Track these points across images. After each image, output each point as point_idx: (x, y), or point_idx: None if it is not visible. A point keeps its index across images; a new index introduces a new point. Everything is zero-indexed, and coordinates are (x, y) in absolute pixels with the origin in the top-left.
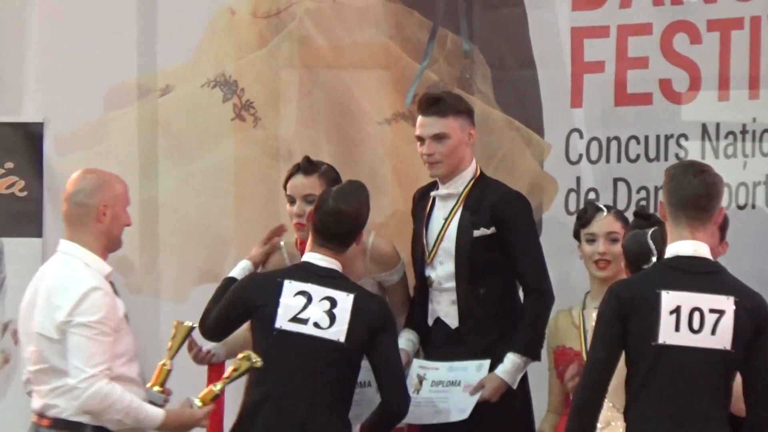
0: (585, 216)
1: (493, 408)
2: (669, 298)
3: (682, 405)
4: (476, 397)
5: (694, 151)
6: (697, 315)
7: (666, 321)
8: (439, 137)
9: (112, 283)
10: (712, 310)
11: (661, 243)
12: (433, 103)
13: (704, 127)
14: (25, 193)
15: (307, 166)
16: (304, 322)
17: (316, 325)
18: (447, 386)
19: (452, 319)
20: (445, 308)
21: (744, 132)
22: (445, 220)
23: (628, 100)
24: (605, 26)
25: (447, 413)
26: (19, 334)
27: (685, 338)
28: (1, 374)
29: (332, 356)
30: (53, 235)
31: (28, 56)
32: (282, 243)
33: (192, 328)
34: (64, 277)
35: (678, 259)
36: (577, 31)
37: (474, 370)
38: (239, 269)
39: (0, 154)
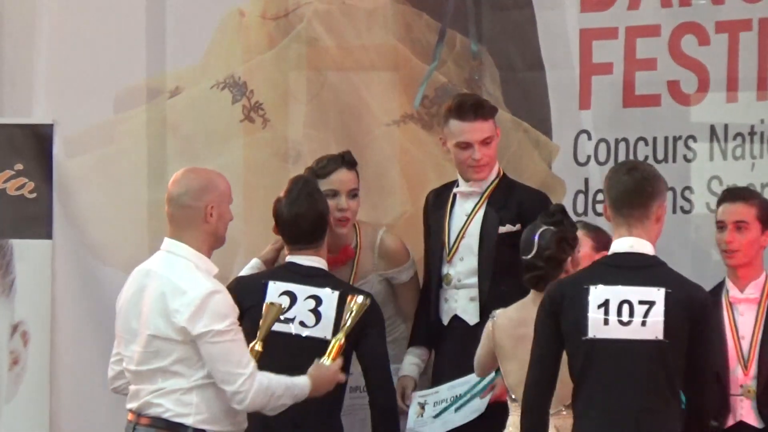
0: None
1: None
2: (597, 293)
3: (617, 398)
4: (487, 399)
5: (702, 152)
6: (626, 307)
7: (594, 316)
8: (486, 141)
9: None
10: (641, 302)
11: (548, 243)
12: (478, 108)
13: (712, 128)
14: (34, 195)
15: (351, 160)
16: (290, 321)
17: (301, 323)
18: (451, 401)
19: (471, 316)
20: (463, 305)
21: (752, 133)
22: (467, 216)
23: (637, 101)
24: (614, 28)
25: (458, 418)
26: (117, 331)
27: (614, 331)
28: (11, 375)
29: (321, 354)
30: (63, 237)
31: (38, 58)
32: None
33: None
34: (180, 279)
35: (614, 256)
36: (585, 33)
37: (477, 380)
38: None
39: (10, 156)
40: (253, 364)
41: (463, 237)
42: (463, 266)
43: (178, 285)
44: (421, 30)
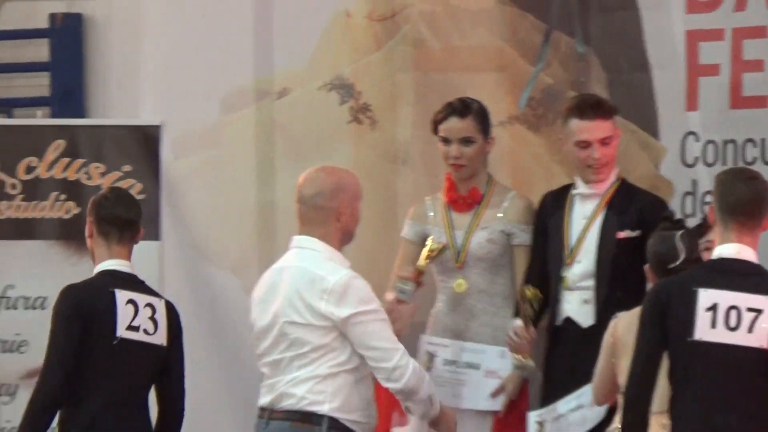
0: None
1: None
2: (706, 296)
3: (718, 401)
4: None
5: None
6: (734, 313)
7: (702, 318)
8: (605, 141)
9: None
10: (749, 309)
11: (690, 245)
12: (597, 107)
13: None
14: (143, 196)
15: (462, 108)
16: (136, 329)
17: (145, 331)
18: (463, 367)
19: (584, 318)
20: (576, 307)
21: None
22: (587, 219)
23: (744, 103)
24: (720, 29)
25: (469, 398)
26: (256, 330)
27: (721, 335)
28: None
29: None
30: (171, 238)
31: (145, 60)
32: (428, 200)
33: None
34: (317, 268)
35: (721, 261)
36: (691, 34)
37: (495, 356)
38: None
39: (118, 157)
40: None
41: (582, 240)
42: (579, 269)
43: (317, 273)
44: (526, 31)
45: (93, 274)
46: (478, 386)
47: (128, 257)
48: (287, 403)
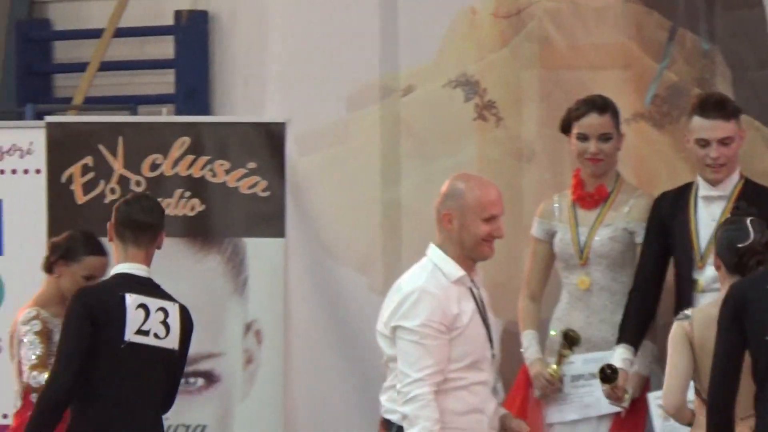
0: None
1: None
2: None
3: None
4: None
5: None
6: None
7: None
8: (725, 141)
9: (473, 284)
10: None
11: (761, 229)
12: (719, 106)
13: None
14: (267, 193)
15: (603, 105)
16: (146, 333)
17: (156, 335)
18: (589, 379)
19: None
20: None
21: None
22: (715, 222)
23: None
24: None
25: (597, 406)
26: None
27: None
28: (245, 374)
29: (166, 362)
30: (296, 235)
31: (271, 57)
32: (556, 197)
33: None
34: (404, 277)
35: None
36: None
37: (616, 359)
38: None
39: (243, 155)
40: (429, 372)
41: (713, 243)
42: (712, 271)
43: (400, 283)
44: (651, 28)
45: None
46: (600, 392)
47: (145, 261)
48: (381, 410)
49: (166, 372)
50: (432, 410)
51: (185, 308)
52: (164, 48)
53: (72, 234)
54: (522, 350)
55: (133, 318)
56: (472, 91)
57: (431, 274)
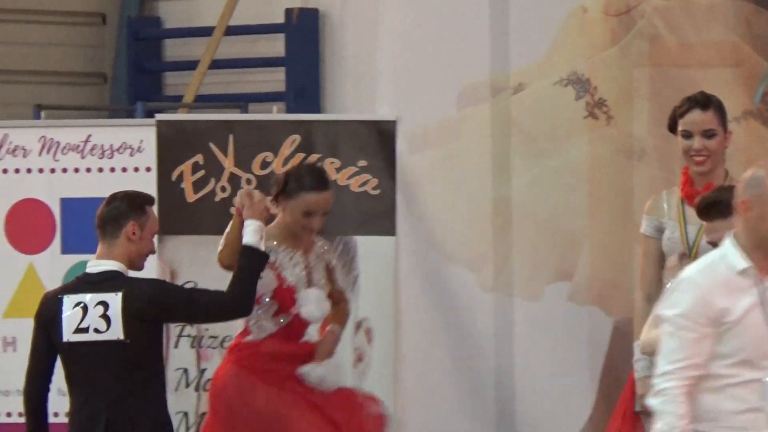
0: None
1: None
2: None
3: None
4: None
5: None
6: None
7: None
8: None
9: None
10: None
11: None
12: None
13: None
14: (378, 191)
15: (705, 101)
16: (85, 330)
17: (96, 330)
18: None
19: None
20: None
21: None
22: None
23: None
24: None
25: None
26: None
27: None
28: (356, 372)
29: (115, 354)
30: (406, 233)
31: (381, 55)
32: (664, 193)
33: None
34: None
35: None
36: None
37: None
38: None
39: (354, 152)
40: (681, 365)
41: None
42: None
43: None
44: (761, 26)
45: None
46: None
47: (108, 254)
48: None
49: (119, 363)
50: (677, 405)
51: (131, 292)
52: (275, 46)
53: (294, 169)
54: (634, 360)
55: (70, 318)
56: (582, 89)
57: (712, 263)
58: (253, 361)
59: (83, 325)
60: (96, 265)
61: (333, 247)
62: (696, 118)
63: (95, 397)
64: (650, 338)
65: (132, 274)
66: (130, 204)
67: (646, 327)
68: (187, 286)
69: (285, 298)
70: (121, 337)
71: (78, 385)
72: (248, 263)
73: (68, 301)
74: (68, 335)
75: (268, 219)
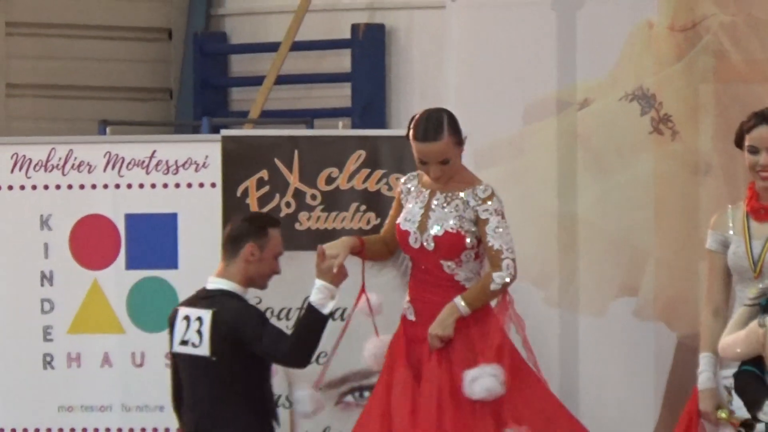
0: None
1: None
2: None
3: None
4: None
5: None
6: None
7: None
8: None
9: None
10: None
11: None
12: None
13: None
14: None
15: None
16: (186, 343)
17: (192, 344)
18: None
19: None
20: None
21: None
22: None
23: None
24: None
25: None
26: None
27: None
28: None
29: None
30: None
31: (448, 71)
32: (729, 208)
33: None
34: None
35: None
36: None
37: None
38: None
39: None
40: None
41: None
42: None
43: None
44: None
45: None
46: None
47: (223, 273)
48: None
49: (208, 378)
50: None
51: (219, 312)
52: (341, 61)
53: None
54: (698, 372)
55: (178, 330)
56: (648, 104)
57: None
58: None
59: (185, 338)
60: (211, 281)
61: (490, 195)
62: (763, 133)
63: (191, 408)
64: (731, 340)
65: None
66: (251, 225)
67: (730, 327)
68: (253, 301)
69: (401, 235)
70: (207, 354)
71: (184, 395)
72: (307, 321)
73: (180, 313)
74: (176, 346)
75: (341, 281)
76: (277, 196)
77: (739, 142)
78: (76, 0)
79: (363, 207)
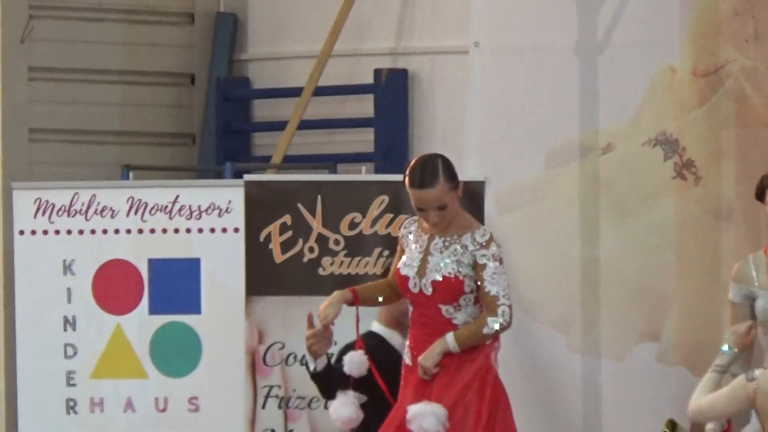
0: None
1: None
2: None
3: None
4: None
5: None
6: None
7: None
8: None
9: None
10: None
11: None
12: None
13: None
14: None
15: None
16: None
17: None
18: None
19: None
20: None
21: None
22: None
23: None
24: None
25: None
26: None
27: None
28: None
29: None
30: None
31: (470, 116)
32: (750, 258)
33: None
34: None
35: None
36: None
37: None
38: None
39: None
40: None
41: None
42: None
43: None
44: None
45: None
46: None
47: (378, 315)
48: None
49: None
50: None
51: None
52: (364, 106)
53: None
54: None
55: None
56: (671, 149)
57: None
58: None
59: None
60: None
61: (488, 240)
62: None
63: None
64: (710, 400)
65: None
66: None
67: (699, 392)
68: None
69: (401, 280)
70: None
71: None
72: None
73: None
74: None
75: (325, 349)
76: (300, 241)
77: (760, 195)
78: (99, 45)
79: (386, 252)
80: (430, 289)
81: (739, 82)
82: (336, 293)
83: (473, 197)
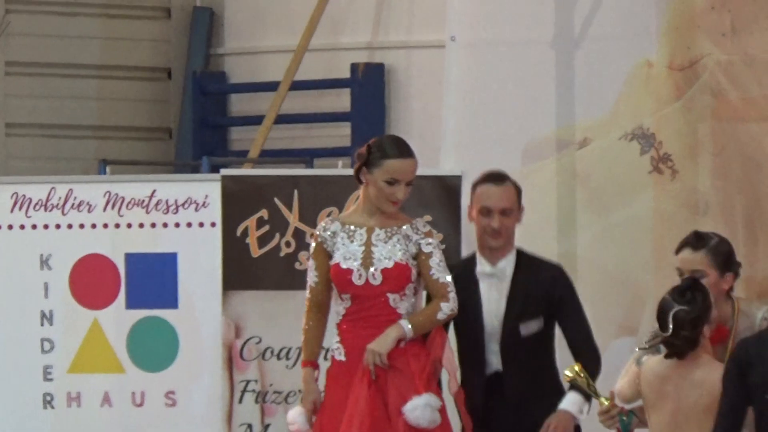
0: None
1: None
2: None
3: None
4: None
5: None
6: None
7: None
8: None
9: None
10: None
11: (685, 324)
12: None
13: None
14: (443, 246)
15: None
16: None
17: None
18: None
19: None
20: None
21: None
22: None
23: None
24: None
25: None
26: None
27: None
28: None
29: None
30: None
31: (446, 110)
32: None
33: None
34: None
35: None
36: None
37: None
38: None
39: (418, 207)
40: None
41: None
42: None
43: None
44: None
45: None
46: None
47: None
48: None
49: None
50: None
51: None
52: (340, 101)
53: (376, 139)
54: None
55: None
56: (648, 143)
57: None
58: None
59: None
60: None
61: (430, 230)
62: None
63: None
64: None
65: None
66: None
67: (624, 371)
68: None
69: (342, 274)
70: None
71: None
72: None
73: None
74: None
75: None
76: (277, 235)
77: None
78: (75, 39)
79: None
80: (380, 278)
81: (715, 76)
82: (306, 382)
83: (450, 192)
